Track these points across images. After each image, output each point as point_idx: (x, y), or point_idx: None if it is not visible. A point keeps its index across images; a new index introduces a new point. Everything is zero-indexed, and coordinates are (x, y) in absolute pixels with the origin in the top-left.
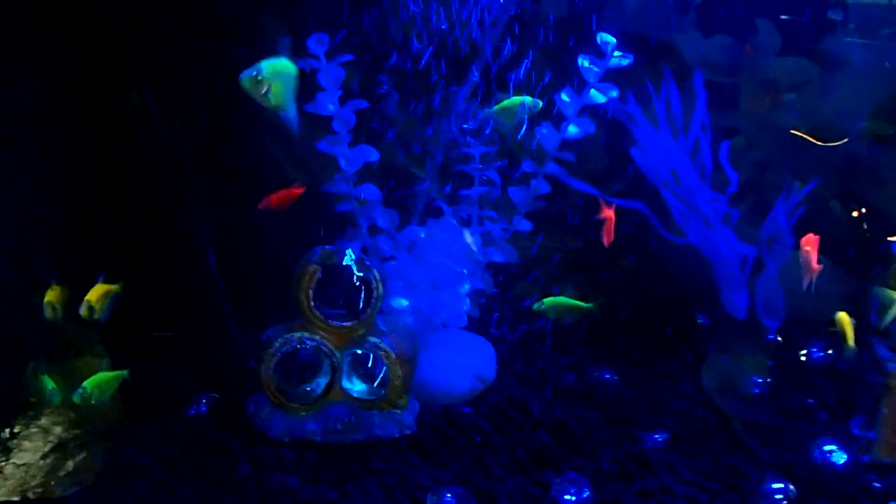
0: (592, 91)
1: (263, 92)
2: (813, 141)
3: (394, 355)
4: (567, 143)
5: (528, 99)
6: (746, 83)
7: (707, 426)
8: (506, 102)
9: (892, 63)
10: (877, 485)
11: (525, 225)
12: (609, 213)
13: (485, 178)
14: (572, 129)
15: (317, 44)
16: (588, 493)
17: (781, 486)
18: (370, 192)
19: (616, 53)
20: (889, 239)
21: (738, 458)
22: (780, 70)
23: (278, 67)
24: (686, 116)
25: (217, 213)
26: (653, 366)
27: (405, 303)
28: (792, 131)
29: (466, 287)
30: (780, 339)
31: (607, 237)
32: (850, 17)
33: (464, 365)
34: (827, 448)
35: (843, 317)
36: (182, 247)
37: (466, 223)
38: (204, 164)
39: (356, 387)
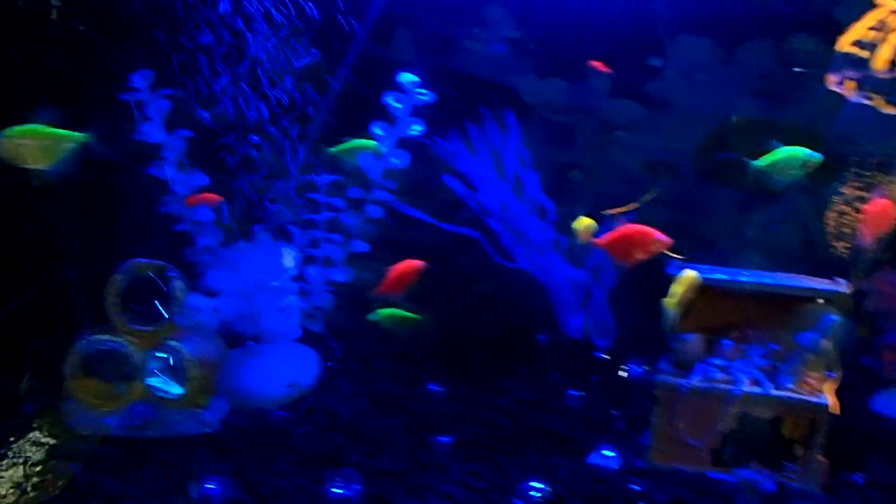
0: (414, 125)
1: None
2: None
3: (191, 357)
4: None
5: (369, 142)
6: (581, 122)
7: (502, 434)
8: (345, 145)
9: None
10: (634, 487)
11: (361, 246)
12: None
13: (329, 204)
14: (393, 160)
15: (140, 78)
16: (357, 487)
17: (540, 486)
18: (203, 214)
19: (421, 90)
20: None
21: (516, 462)
22: (611, 110)
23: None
24: (522, 152)
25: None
26: (485, 380)
27: (199, 303)
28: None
29: (290, 300)
30: (607, 356)
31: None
32: (669, 63)
33: (280, 372)
34: (606, 454)
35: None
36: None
37: (314, 245)
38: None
39: (159, 386)
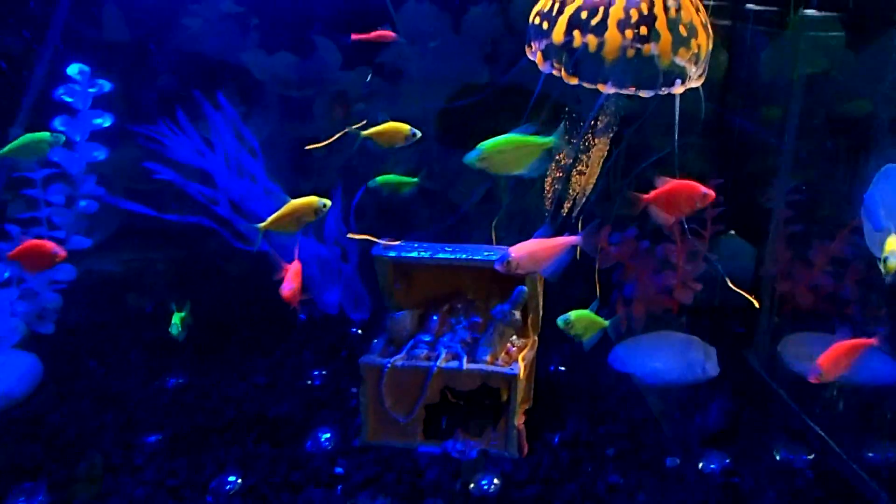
0: (97, 118)
1: None
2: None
3: None
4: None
5: (41, 135)
6: (318, 96)
7: (219, 425)
8: (16, 142)
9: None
10: (338, 469)
11: (83, 243)
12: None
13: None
14: (98, 154)
15: None
16: (41, 498)
17: (233, 479)
18: None
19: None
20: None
21: (222, 455)
22: (346, 83)
23: None
24: (256, 132)
25: None
26: (234, 366)
27: None
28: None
29: None
30: (360, 331)
31: None
32: (401, 32)
33: None
34: (323, 436)
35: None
36: None
37: None
38: None
39: None
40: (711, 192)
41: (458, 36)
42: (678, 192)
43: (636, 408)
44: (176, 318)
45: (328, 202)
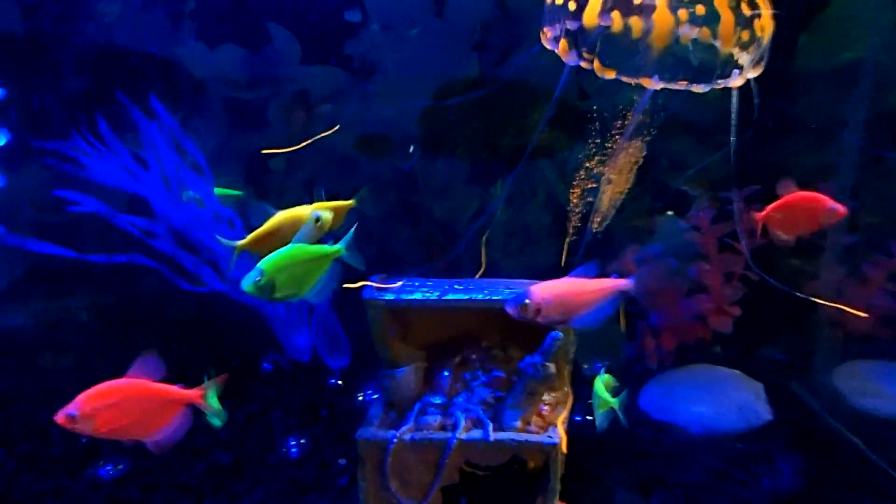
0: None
1: None
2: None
3: None
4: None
5: None
6: (273, 97)
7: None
8: None
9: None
10: None
11: None
12: None
13: None
14: None
15: None
16: None
17: None
18: None
19: None
20: None
21: None
22: (308, 80)
23: None
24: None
25: None
26: (187, 440)
27: None
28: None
29: None
30: (341, 382)
31: None
32: (372, 17)
33: None
34: None
35: None
36: None
37: None
38: None
39: None
40: (840, 208)
41: (442, 21)
42: (798, 207)
43: (687, 467)
44: (212, 397)
45: (327, 215)
